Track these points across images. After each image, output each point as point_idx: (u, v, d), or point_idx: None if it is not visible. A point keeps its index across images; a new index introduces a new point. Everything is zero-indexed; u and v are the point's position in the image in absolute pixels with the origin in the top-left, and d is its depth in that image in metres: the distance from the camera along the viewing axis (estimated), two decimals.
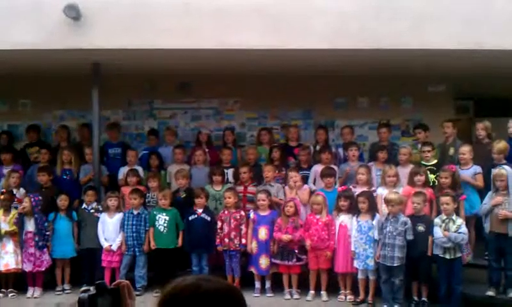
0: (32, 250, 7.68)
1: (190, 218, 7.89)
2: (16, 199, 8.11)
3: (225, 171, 8.54)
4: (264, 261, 7.70)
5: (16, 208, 7.97)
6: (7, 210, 7.82)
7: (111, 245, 7.84)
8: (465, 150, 7.90)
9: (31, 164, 9.06)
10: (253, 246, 7.73)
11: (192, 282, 1.47)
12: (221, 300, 1.45)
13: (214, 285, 1.47)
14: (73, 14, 7.16)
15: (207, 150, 9.13)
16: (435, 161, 8.15)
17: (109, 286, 1.66)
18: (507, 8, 7.51)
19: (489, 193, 7.30)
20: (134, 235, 7.88)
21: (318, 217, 7.60)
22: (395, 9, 7.44)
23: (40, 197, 7.86)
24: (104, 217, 8.00)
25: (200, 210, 7.87)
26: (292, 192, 7.98)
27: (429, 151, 8.17)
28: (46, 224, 7.82)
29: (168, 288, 1.49)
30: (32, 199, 7.75)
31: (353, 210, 7.50)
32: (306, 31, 7.40)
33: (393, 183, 7.69)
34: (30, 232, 7.73)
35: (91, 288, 1.63)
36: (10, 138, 9.65)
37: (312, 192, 8.03)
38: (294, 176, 8.01)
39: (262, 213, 7.78)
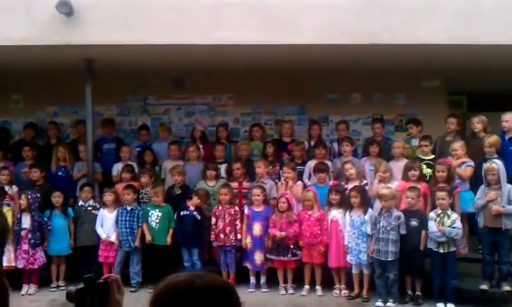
0: (26, 247, 7.66)
1: (182, 213, 7.90)
2: (8, 196, 8.07)
3: (218, 166, 8.54)
4: (258, 257, 7.71)
5: (8, 205, 7.93)
6: None
7: (109, 236, 7.83)
8: (457, 146, 7.92)
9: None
10: (247, 241, 7.74)
11: (185, 278, 1.47)
12: (214, 296, 1.45)
13: (207, 281, 1.47)
14: (66, 10, 7.11)
15: (200, 146, 9.13)
16: (433, 156, 8.16)
17: (97, 280, 1.66)
18: (500, 3, 7.53)
19: (482, 187, 7.31)
20: (128, 230, 7.87)
21: (310, 212, 7.61)
22: (388, 4, 7.44)
23: (38, 195, 7.84)
24: (103, 212, 8.00)
25: (193, 208, 7.88)
26: (282, 187, 7.97)
27: (426, 145, 8.18)
28: (45, 219, 7.81)
29: (161, 285, 1.48)
30: (29, 196, 7.73)
31: (345, 204, 7.52)
32: (299, 26, 7.38)
33: (384, 178, 7.69)
34: (25, 229, 7.71)
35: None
36: (5, 135, 9.62)
37: (305, 187, 8.05)
38: (287, 172, 8.00)
39: (256, 209, 7.78)
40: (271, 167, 8.45)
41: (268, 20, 7.36)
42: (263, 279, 7.78)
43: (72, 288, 1.61)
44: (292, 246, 7.61)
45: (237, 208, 7.89)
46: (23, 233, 7.68)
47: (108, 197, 7.99)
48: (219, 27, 7.30)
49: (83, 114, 8.84)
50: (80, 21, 7.25)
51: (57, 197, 7.94)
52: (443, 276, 7.05)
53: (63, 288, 7.77)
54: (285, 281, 7.70)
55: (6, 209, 7.77)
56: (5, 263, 7.53)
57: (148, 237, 7.86)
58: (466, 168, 7.80)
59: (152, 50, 7.71)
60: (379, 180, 7.68)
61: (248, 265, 7.81)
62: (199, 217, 7.89)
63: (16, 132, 10.03)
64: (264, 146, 8.87)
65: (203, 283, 1.45)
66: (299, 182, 8.15)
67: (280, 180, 8.24)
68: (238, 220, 7.81)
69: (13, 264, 7.61)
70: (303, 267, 7.70)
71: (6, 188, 8.14)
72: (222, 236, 7.78)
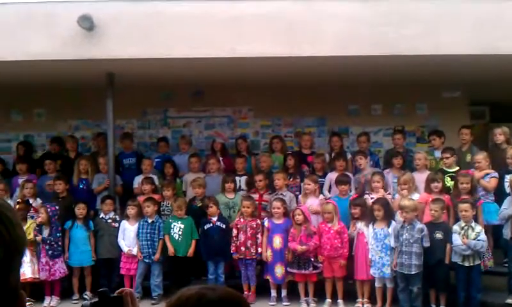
0: (46, 258, 7.72)
1: (205, 227, 7.90)
2: (32, 209, 8.16)
3: (237, 178, 8.55)
4: (279, 270, 7.66)
5: (32, 217, 8.03)
6: (23, 220, 7.86)
7: (131, 249, 7.87)
8: (480, 157, 7.81)
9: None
10: (268, 254, 7.70)
11: (197, 291, 1.45)
12: None
13: (219, 294, 1.45)
14: (87, 25, 7.21)
15: (221, 159, 9.15)
16: (457, 168, 8.04)
17: (111, 294, 1.66)
18: None
19: (508, 198, 7.19)
20: (149, 243, 7.89)
21: (330, 225, 7.55)
22: (407, 14, 7.40)
23: (57, 207, 7.92)
24: (124, 224, 8.04)
25: (215, 218, 7.87)
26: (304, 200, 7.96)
27: (447, 157, 8.06)
28: (58, 234, 7.85)
29: (174, 298, 1.47)
30: (48, 209, 7.81)
31: (368, 217, 7.44)
32: (318, 38, 7.37)
33: (406, 190, 7.60)
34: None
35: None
36: (28, 148, 9.76)
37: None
38: (307, 184, 7.99)
39: (277, 222, 7.74)
40: (291, 179, 8.42)
41: (287, 32, 7.36)
42: (284, 292, 7.71)
43: (87, 302, 1.62)
44: (312, 259, 7.55)
45: (258, 221, 7.86)
46: (42, 245, 7.75)
47: (131, 210, 8.03)
48: (240, 40, 7.33)
49: (105, 128, 8.92)
50: (102, 35, 7.34)
51: (81, 209, 8.03)
52: (468, 289, 6.93)
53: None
54: (306, 294, 7.63)
55: (30, 221, 7.88)
56: (30, 275, 7.64)
57: (171, 249, 7.86)
58: (490, 179, 7.69)
59: (172, 64, 7.77)
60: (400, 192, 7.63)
61: (268, 278, 7.76)
62: (224, 226, 7.88)
63: (39, 145, 10.18)
64: (285, 159, 8.85)
65: (215, 296, 1.44)
66: (321, 196, 8.10)
67: (300, 192, 8.21)
68: (259, 234, 7.78)
69: (37, 276, 7.69)
70: (324, 279, 7.62)
71: (30, 201, 8.24)
72: (243, 249, 7.75)
